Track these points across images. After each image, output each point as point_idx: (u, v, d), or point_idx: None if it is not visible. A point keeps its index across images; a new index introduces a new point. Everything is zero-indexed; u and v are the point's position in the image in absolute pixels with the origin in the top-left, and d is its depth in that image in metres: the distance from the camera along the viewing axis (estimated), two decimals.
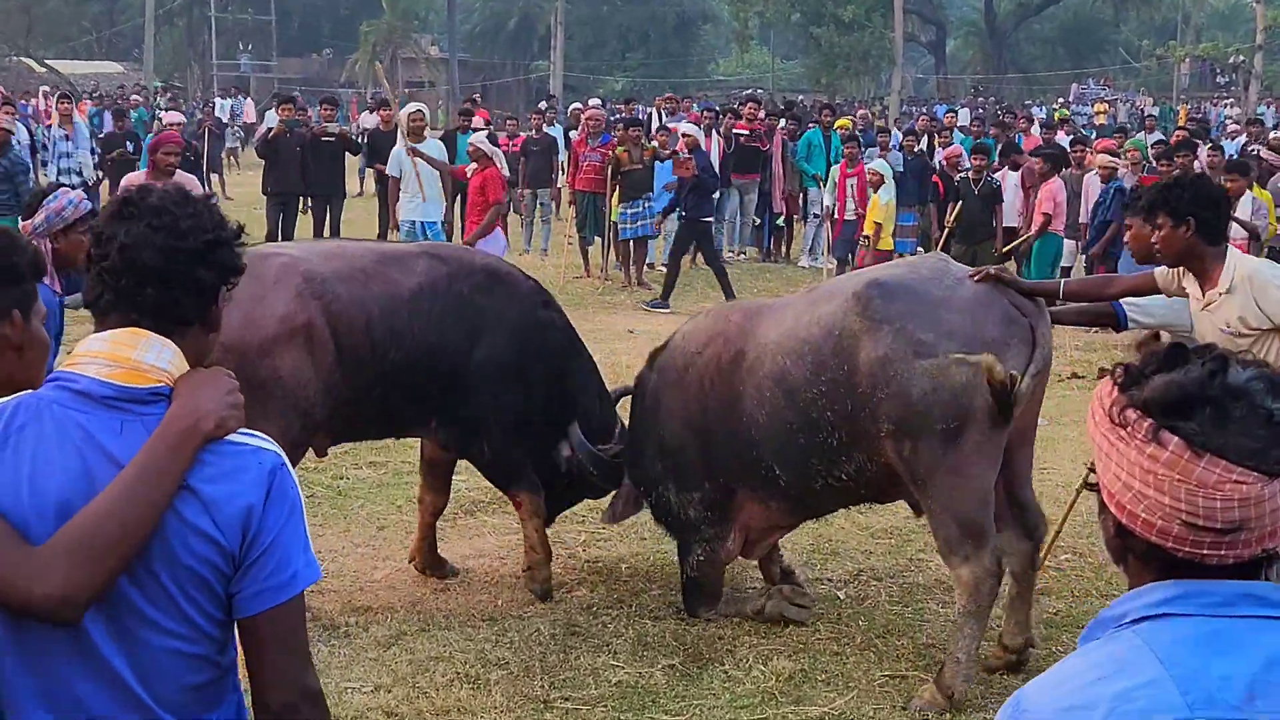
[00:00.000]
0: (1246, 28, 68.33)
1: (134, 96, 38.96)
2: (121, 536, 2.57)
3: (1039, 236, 17.28)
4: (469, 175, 16.21)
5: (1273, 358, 5.94)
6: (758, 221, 22.24)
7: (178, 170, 12.72)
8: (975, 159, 18.25)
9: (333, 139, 20.15)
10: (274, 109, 23.28)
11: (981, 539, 6.41)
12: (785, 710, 6.51)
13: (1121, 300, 6.85)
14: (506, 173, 16.93)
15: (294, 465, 7.38)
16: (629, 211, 19.53)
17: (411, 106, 17.79)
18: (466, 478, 9.00)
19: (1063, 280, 7.33)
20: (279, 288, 7.00)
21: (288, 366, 6.93)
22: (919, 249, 18.92)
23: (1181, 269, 6.39)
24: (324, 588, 7.94)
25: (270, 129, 20.98)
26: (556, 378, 7.87)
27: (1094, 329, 14.07)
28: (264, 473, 2.73)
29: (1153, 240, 6.35)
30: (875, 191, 18.69)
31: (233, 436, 2.74)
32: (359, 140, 22.79)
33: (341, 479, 10.01)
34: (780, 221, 22.30)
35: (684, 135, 19.43)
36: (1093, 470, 5.54)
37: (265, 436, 2.81)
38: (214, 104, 39.32)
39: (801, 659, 7.09)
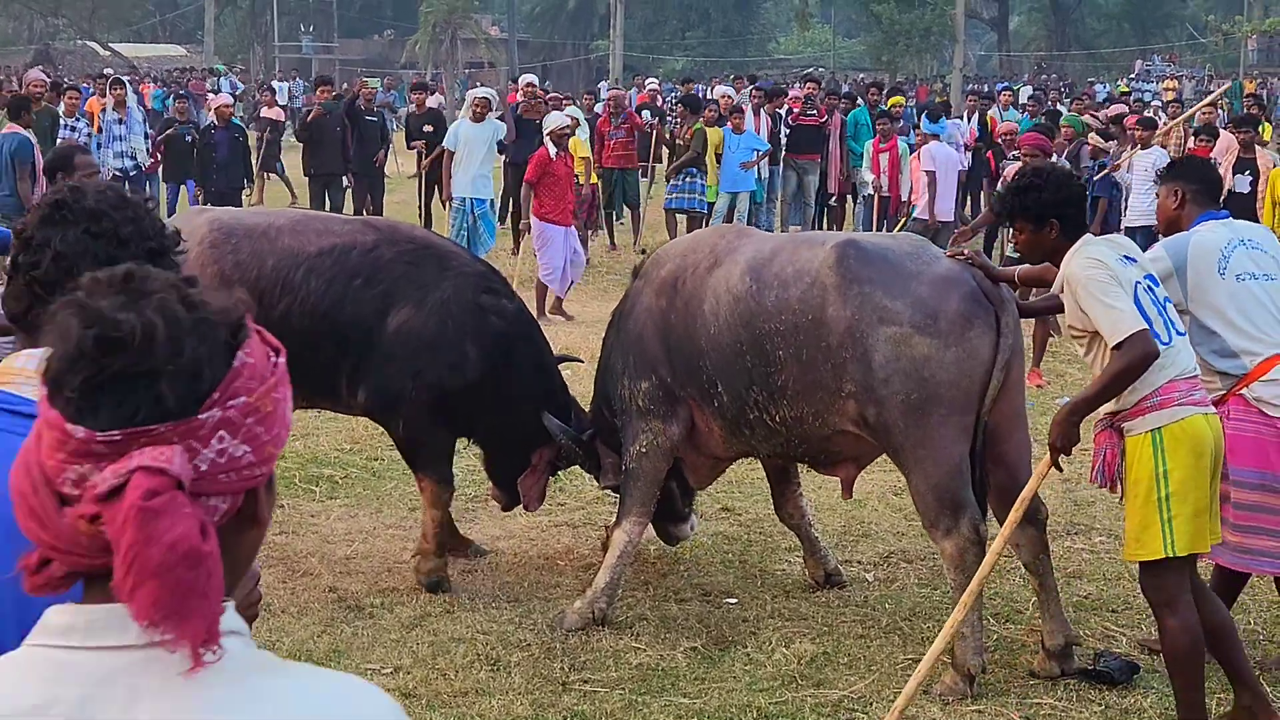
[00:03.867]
0: None
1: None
2: None
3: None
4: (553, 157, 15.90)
5: (1102, 363, 5.75)
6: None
7: None
8: None
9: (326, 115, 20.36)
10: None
11: (959, 510, 6.39)
12: (804, 693, 6.47)
13: None
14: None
15: None
16: (674, 183, 20.08)
17: (480, 92, 18.16)
18: None
19: (1017, 267, 7.23)
20: (191, 238, 7.40)
21: None
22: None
23: None
24: (352, 569, 7.98)
25: (308, 111, 21.16)
26: (496, 365, 7.65)
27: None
28: None
29: (1013, 243, 6.20)
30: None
31: None
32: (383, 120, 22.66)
33: (376, 460, 10.05)
34: (834, 202, 22.18)
35: (527, 85, 22.00)
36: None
37: None
38: (272, 87, 39.39)
39: (825, 641, 7.06)
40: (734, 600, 7.64)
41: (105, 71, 42.75)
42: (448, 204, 17.95)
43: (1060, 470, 6.26)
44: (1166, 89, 43.67)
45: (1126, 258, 5.81)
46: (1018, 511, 6.05)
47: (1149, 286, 5.77)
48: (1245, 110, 22.64)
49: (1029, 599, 7.45)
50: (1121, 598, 7.65)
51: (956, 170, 18.74)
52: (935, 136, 18.80)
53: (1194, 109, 20.91)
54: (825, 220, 21.52)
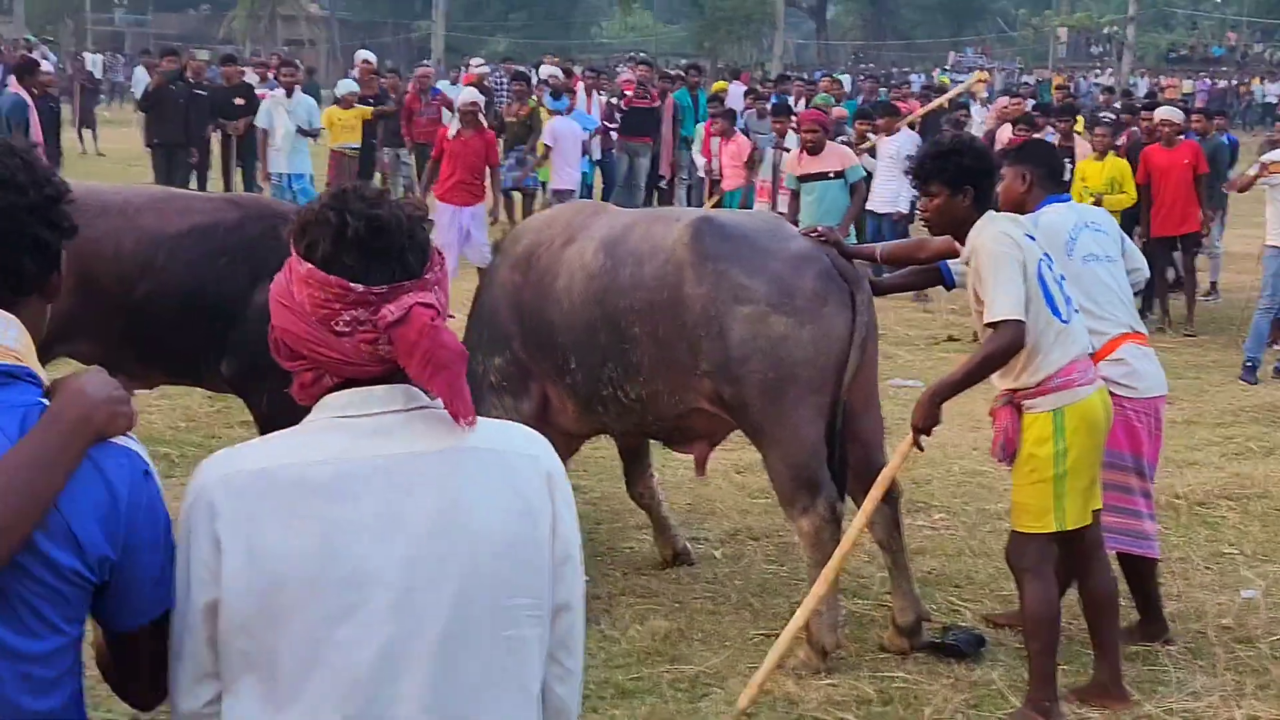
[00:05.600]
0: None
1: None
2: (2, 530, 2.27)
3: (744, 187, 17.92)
4: (452, 137, 15.69)
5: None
6: None
7: None
8: (859, 124, 17.98)
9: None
10: (144, 65, 22.97)
11: (815, 489, 6.42)
12: (661, 669, 6.49)
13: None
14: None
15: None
16: (505, 164, 19.85)
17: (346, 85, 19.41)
18: None
19: (879, 245, 7.33)
20: None
21: None
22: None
23: None
24: None
25: (152, 81, 20.88)
26: None
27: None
28: (129, 476, 2.43)
29: (922, 209, 6.20)
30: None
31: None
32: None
33: (213, 438, 9.84)
34: (664, 184, 22.25)
35: (364, 63, 22.70)
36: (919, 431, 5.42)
37: (134, 439, 2.51)
38: (84, 58, 38.48)
39: (678, 618, 7.09)
40: (586, 578, 7.61)
41: None
42: (266, 182, 17.86)
43: (921, 450, 6.33)
44: (978, 80, 44.52)
45: (1028, 235, 5.90)
46: (878, 490, 6.14)
47: (1049, 265, 5.87)
48: (1058, 102, 23.23)
49: (875, 574, 7.58)
50: (964, 573, 7.80)
51: (580, 142, 19.55)
52: (557, 113, 19.95)
53: (941, 99, 21.31)
54: (655, 202, 21.56)
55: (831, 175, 13.86)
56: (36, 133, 16.92)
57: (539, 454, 2.60)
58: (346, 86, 20.11)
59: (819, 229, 6.85)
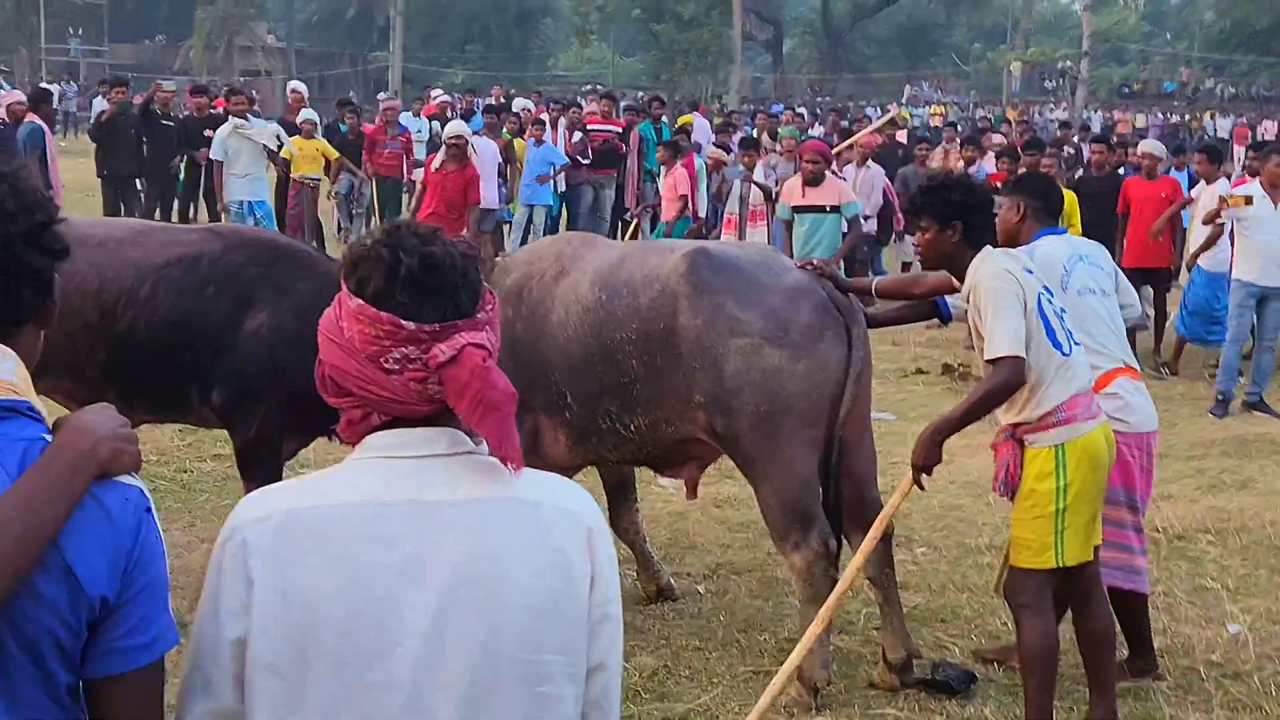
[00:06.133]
0: (1072, 34, 70.26)
1: None
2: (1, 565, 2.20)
3: (678, 219, 17.68)
4: (435, 169, 15.92)
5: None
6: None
7: None
8: None
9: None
10: (102, 95, 22.93)
11: (809, 523, 6.37)
12: (650, 707, 6.43)
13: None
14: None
15: None
16: None
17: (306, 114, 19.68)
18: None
19: (875, 279, 7.32)
20: None
21: None
22: None
23: None
24: (172, 584, 7.66)
25: (103, 112, 20.77)
26: None
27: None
28: (132, 514, 2.37)
29: (916, 244, 6.20)
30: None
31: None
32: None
33: (185, 472, 9.74)
34: (629, 217, 22.20)
35: (293, 92, 22.79)
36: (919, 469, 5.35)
37: (133, 474, 2.43)
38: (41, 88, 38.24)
39: (664, 655, 7.02)
40: None
41: None
42: (225, 213, 17.79)
43: (923, 489, 6.26)
44: (933, 114, 44.86)
45: (1027, 270, 5.88)
46: (878, 529, 6.08)
47: (1049, 298, 5.85)
48: (1018, 135, 23.41)
49: (861, 610, 7.53)
50: (949, 608, 7.76)
51: (496, 162, 19.59)
52: (476, 133, 19.80)
53: (859, 135, 21.40)
54: (620, 235, 21.51)
55: (828, 209, 13.83)
56: (53, 159, 17.02)
57: (580, 509, 2.56)
58: (306, 115, 20.05)
59: (815, 262, 6.80)
